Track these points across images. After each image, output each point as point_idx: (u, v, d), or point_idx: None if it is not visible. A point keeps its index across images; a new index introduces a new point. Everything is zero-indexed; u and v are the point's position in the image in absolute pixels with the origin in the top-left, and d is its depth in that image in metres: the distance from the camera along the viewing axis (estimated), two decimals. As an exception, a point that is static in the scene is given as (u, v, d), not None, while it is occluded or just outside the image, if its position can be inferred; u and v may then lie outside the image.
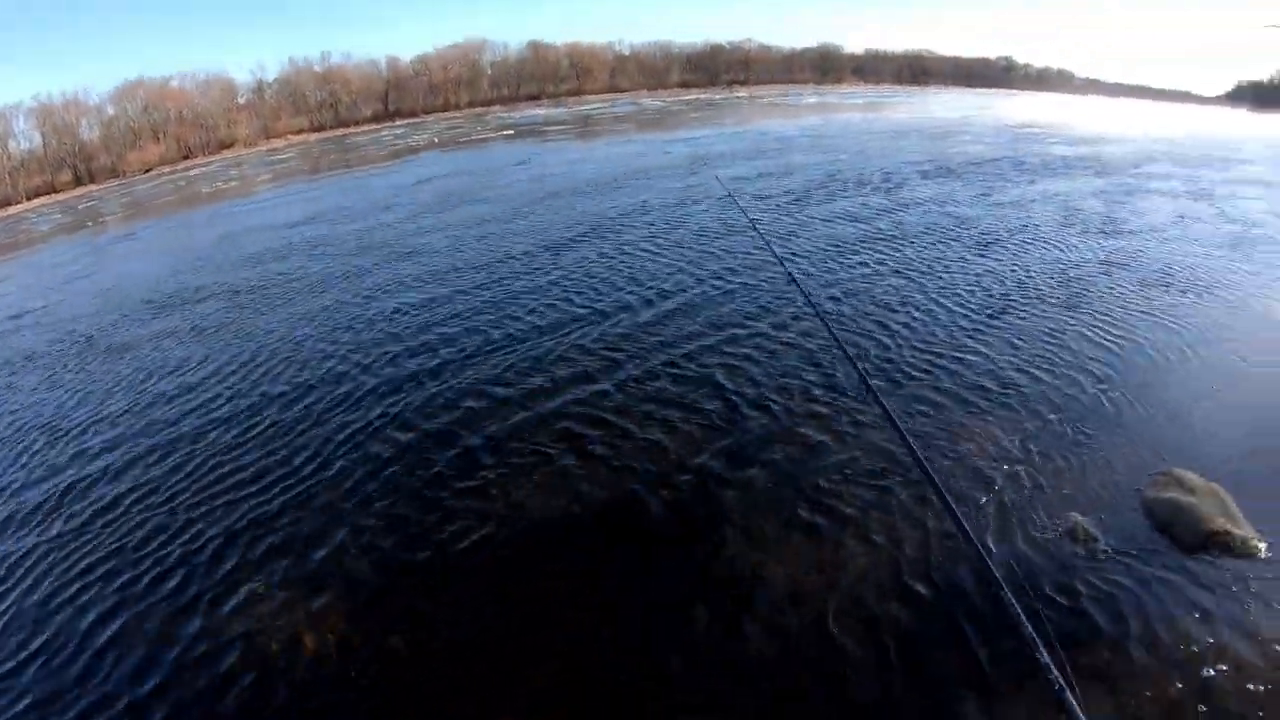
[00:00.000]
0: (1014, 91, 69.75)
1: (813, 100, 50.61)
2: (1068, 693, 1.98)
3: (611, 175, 18.80)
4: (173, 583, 4.69)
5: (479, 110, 69.43)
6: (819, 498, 4.69)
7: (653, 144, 26.19)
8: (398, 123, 65.55)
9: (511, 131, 39.07)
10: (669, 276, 9.58)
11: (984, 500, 4.54)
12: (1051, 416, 5.46)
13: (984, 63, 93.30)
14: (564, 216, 14.22)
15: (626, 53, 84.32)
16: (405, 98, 72.96)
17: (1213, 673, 3.37)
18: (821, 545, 4.27)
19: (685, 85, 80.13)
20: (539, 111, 56.58)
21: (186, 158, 58.94)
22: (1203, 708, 3.21)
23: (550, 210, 15.12)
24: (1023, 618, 2.20)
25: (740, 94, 63.57)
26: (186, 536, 5.14)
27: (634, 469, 5.22)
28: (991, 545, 4.14)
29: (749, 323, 7.68)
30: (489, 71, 77.75)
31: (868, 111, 36.98)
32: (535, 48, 78.81)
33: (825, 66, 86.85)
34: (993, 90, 70.72)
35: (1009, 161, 18.14)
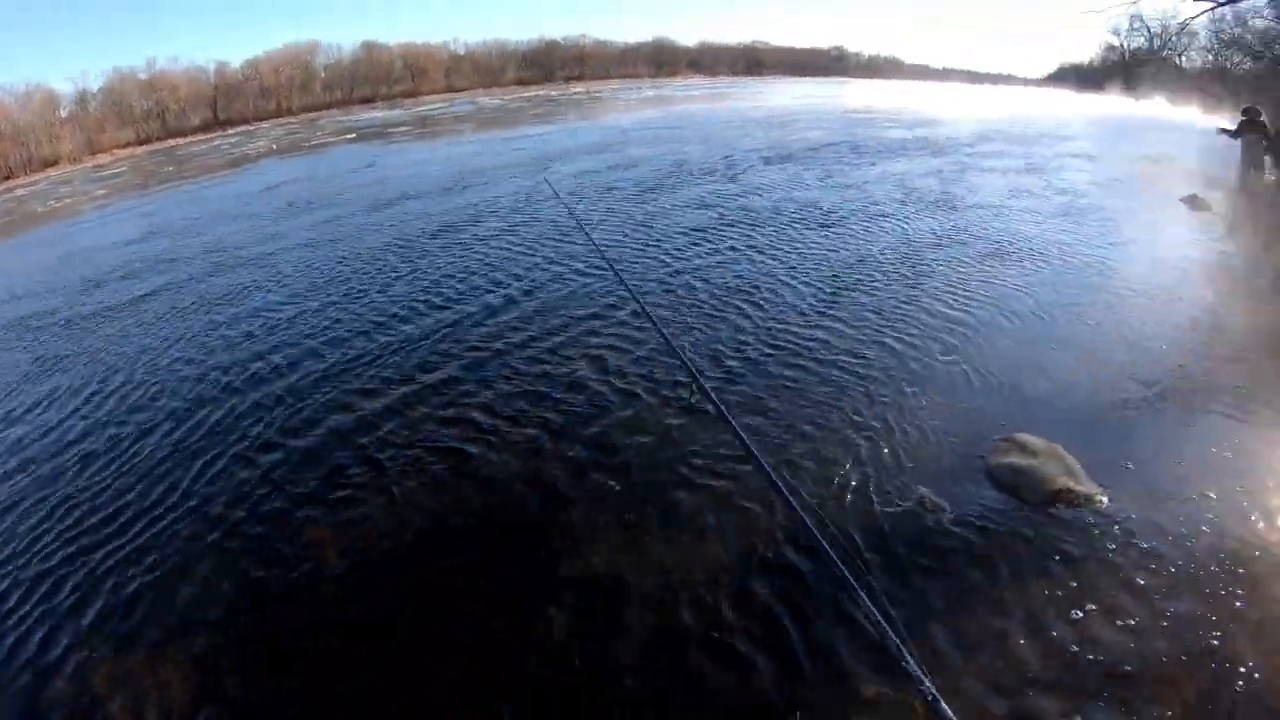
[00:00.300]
0: (846, 79, 72.84)
1: (651, 93, 51.56)
2: (911, 662, 2.09)
3: (458, 174, 18.27)
4: (37, 638, 4.04)
5: (313, 115, 66.40)
6: (663, 493, 4.43)
7: (496, 143, 25.79)
8: (229, 131, 61.86)
9: (353, 135, 37.73)
10: (514, 277, 9.19)
11: (832, 481, 4.42)
12: (893, 392, 5.42)
13: (816, 53, 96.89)
14: (415, 219, 13.57)
15: (461, 52, 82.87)
16: (235, 104, 69.06)
17: (1067, 622, 3.39)
18: (668, 540, 4.02)
19: (521, 83, 79.50)
20: (376, 114, 54.95)
21: (8, 178, 53.63)
22: (1057, 657, 3.21)
23: (401, 213, 14.42)
24: (861, 595, 2.28)
25: (577, 90, 63.70)
26: (44, 588, 4.45)
27: (500, 467, 4.97)
28: (835, 526, 3.99)
29: (585, 322, 7.38)
30: (322, 74, 74.64)
31: (707, 103, 37.97)
32: (369, 48, 76.22)
33: (661, 60, 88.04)
34: (827, 79, 73.60)
35: (848, 145, 18.87)
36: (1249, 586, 3.49)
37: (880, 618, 1.97)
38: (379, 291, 9.32)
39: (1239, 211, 12.11)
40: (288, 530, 4.58)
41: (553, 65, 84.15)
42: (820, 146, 18.80)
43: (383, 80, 75.70)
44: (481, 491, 4.71)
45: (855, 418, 5.11)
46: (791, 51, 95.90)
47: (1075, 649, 3.22)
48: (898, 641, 1.95)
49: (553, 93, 61.39)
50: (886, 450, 4.70)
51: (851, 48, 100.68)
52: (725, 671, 3.25)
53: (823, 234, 10.12)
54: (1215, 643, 3.22)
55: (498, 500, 4.61)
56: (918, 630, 3.28)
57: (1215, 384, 5.53)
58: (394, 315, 8.27)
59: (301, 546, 4.40)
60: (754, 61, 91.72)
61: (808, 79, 72.11)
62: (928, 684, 2.13)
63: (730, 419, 3.43)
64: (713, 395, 4.07)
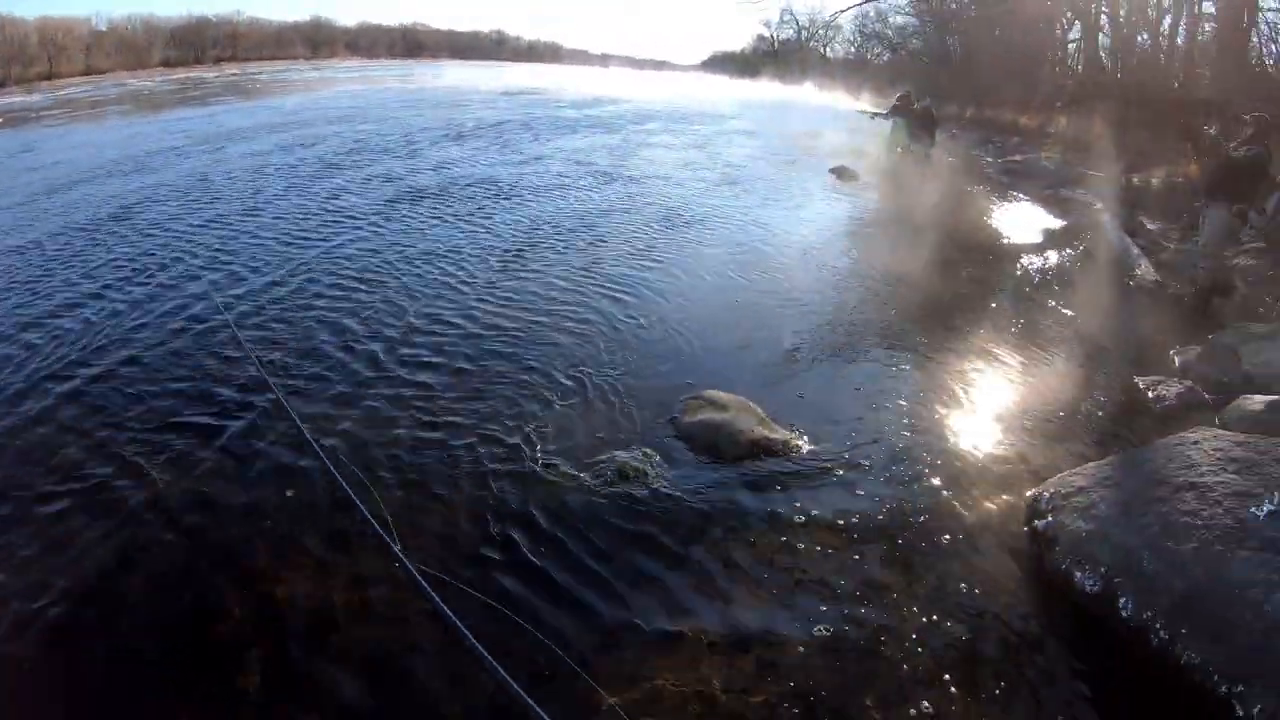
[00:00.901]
0: (509, 64, 73.63)
1: (314, 75, 48.25)
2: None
3: (128, 158, 15.20)
4: None
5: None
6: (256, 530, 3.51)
7: (158, 125, 22.36)
8: None
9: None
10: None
11: (526, 457, 4.00)
12: (574, 368, 5.11)
13: (477, 36, 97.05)
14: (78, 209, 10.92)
15: (104, 28, 72.35)
16: None
17: (790, 560, 3.37)
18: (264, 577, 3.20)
19: (169, 64, 70.56)
20: (14, 99, 46.06)
21: None
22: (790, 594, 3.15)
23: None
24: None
25: (232, 71, 58.15)
26: None
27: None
28: (538, 506, 3.59)
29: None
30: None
31: (375, 84, 36.17)
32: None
33: (318, 39, 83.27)
34: (490, 62, 73.82)
35: (519, 124, 19.02)
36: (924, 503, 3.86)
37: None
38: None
39: (882, 180, 13.88)
40: None
41: (204, 45, 75.99)
42: (496, 125, 18.68)
43: (15, 59, 63.67)
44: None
45: (534, 393, 4.73)
46: (452, 35, 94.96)
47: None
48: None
49: (208, 75, 55.12)
50: (575, 425, 4.38)
51: (511, 31, 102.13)
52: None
53: (498, 207, 9.75)
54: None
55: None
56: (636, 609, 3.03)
57: (866, 326, 6.39)
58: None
59: None
60: (414, 44, 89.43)
61: (471, 62, 71.63)
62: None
63: (307, 435, 3.24)
64: (287, 405, 3.88)
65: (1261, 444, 3.64)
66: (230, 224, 8.72)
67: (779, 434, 4.32)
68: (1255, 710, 2.55)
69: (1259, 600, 2.77)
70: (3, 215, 9.81)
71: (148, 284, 6.71)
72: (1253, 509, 3.13)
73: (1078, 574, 3.23)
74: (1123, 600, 3.03)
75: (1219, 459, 3.52)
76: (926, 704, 2.68)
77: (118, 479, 3.75)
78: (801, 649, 2.87)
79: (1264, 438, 3.79)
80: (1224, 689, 2.65)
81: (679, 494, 3.75)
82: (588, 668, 2.70)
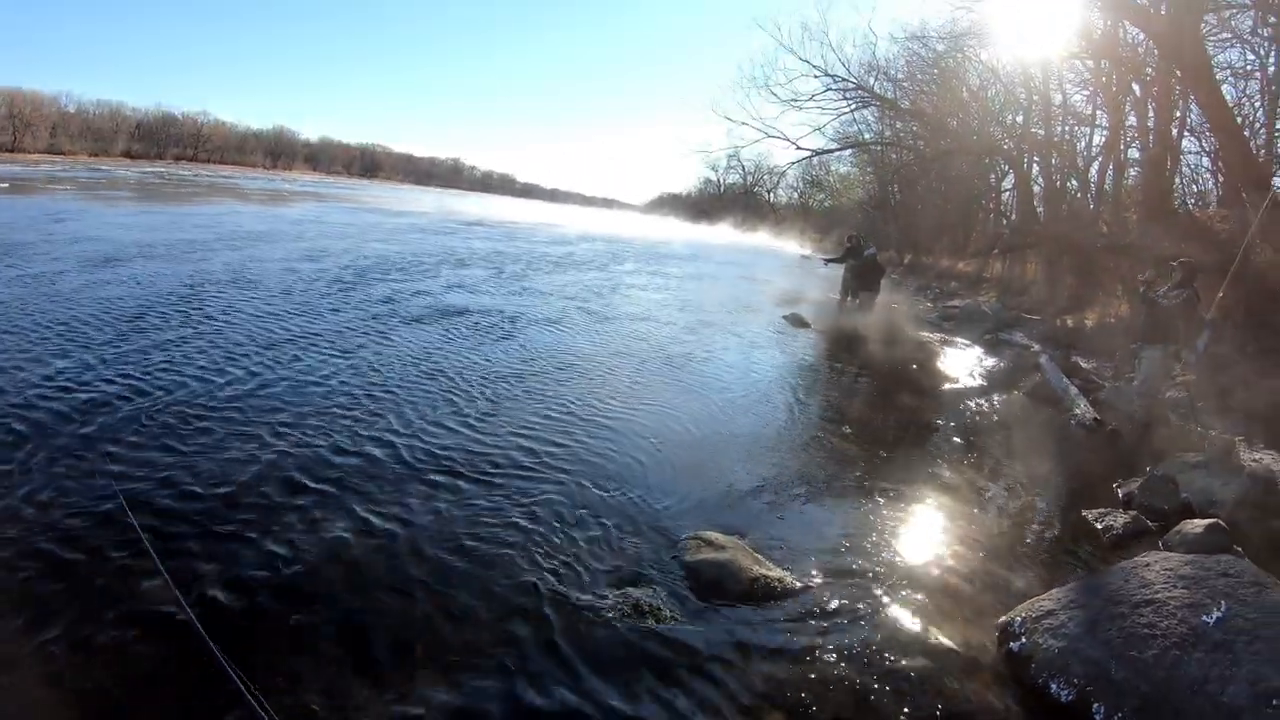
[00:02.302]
0: (464, 192, 75.44)
1: (287, 187, 49.46)
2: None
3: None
4: None
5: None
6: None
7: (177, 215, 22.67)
8: None
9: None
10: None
11: (542, 593, 4.24)
12: (577, 506, 5.42)
13: (434, 162, 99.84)
14: None
15: (72, 109, 73.21)
16: None
17: (799, 694, 3.65)
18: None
19: (131, 156, 71.78)
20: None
21: None
22: None
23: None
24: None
25: (199, 172, 58.77)
26: None
27: None
28: (560, 640, 3.86)
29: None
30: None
31: (343, 204, 37.13)
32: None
33: (278, 150, 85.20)
34: (447, 189, 75.51)
35: (509, 258, 20.35)
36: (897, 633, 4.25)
37: None
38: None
39: (832, 326, 14.94)
40: None
41: (167, 141, 77.23)
42: (483, 257, 20.02)
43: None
44: None
45: (548, 530, 4.99)
46: (410, 159, 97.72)
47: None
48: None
49: (166, 170, 55.65)
50: (587, 559, 4.68)
51: (468, 160, 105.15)
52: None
53: (480, 342, 10.20)
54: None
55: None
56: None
57: (831, 466, 7.07)
58: None
59: None
60: (372, 164, 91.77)
61: (428, 188, 73.29)
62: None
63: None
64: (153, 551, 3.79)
65: (1205, 561, 4.27)
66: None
67: (775, 572, 4.72)
68: None
69: (1216, 693, 3.33)
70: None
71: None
72: (1204, 617, 3.70)
73: (1053, 686, 3.74)
74: (1096, 706, 3.55)
75: (1169, 577, 4.10)
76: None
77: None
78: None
79: (1207, 556, 4.43)
80: None
81: (693, 629, 4.09)
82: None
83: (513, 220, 35.88)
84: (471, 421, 6.89)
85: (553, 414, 7.36)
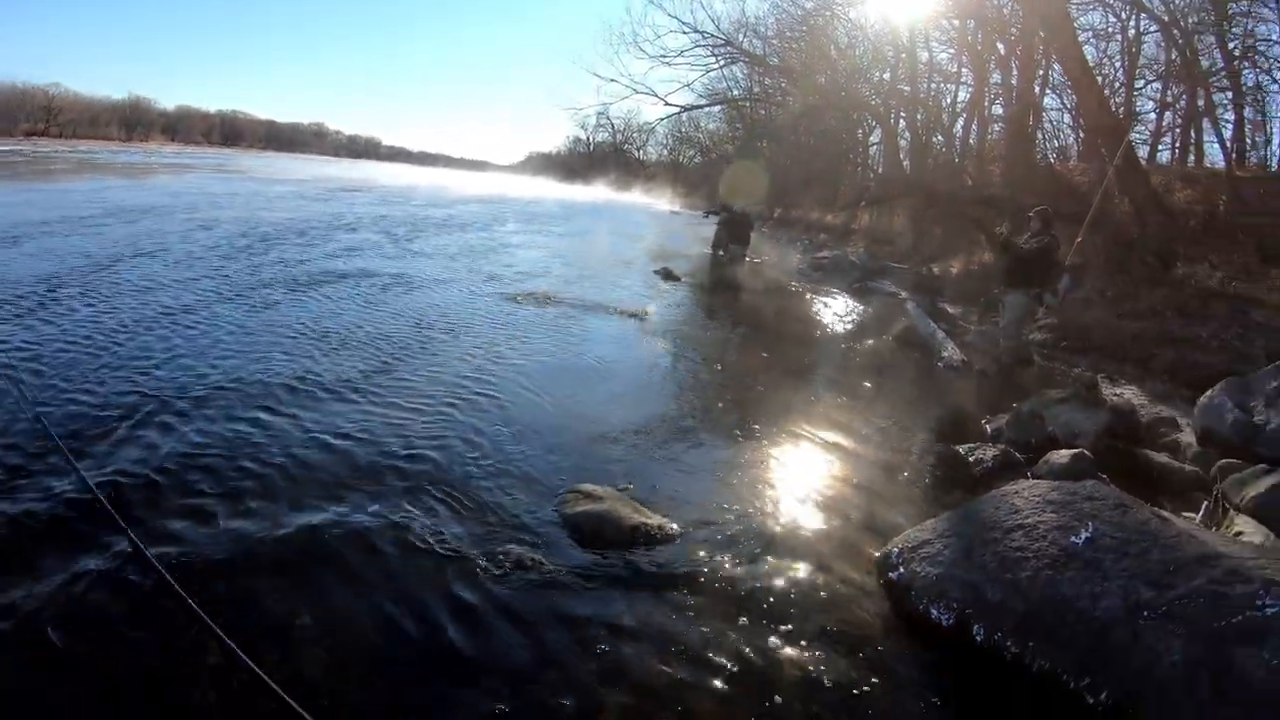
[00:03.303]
0: (331, 158, 72.76)
1: (156, 160, 46.39)
2: None
3: None
4: None
5: None
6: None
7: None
8: None
9: None
10: None
11: (423, 552, 4.14)
12: (453, 468, 5.27)
13: (296, 128, 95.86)
14: None
15: None
16: None
17: (683, 632, 3.68)
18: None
19: None
20: None
21: None
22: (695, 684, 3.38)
23: None
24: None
25: (57, 147, 54.52)
26: None
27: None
28: (442, 599, 3.76)
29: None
30: None
31: (217, 175, 35.31)
32: None
33: (134, 121, 79.76)
34: (314, 156, 72.63)
35: (397, 222, 20.04)
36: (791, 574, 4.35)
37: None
38: None
39: (704, 279, 15.17)
40: None
41: (17, 115, 70.81)
42: (370, 222, 19.73)
43: None
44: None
45: (424, 492, 4.82)
46: (273, 125, 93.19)
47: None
48: None
49: (43, 148, 51.44)
50: (467, 518, 4.57)
51: (332, 125, 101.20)
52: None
53: (371, 305, 10.00)
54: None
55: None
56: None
57: (706, 414, 7.16)
58: None
59: None
60: (233, 132, 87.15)
61: (294, 155, 70.25)
62: None
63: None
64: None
65: (1072, 487, 4.47)
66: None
67: (654, 520, 4.71)
68: (1102, 696, 3.25)
69: (1089, 609, 3.50)
70: None
71: None
72: (1073, 538, 3.87)
73: (933, 611, 3.86)
74: (975, 627, 3.68)
75: (1039, 503, 4.28)
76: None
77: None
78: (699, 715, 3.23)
79: (1073, 483, 4.63)
80: (1072, 685, 3.34)
81: (573, 580, 4.04)
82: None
83: (389, 185, 35.23)
84: (357, 385, 6.71)
85: (438, 375, 7.19)
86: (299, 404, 6.13)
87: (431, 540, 4.29)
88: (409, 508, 4.64)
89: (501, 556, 4.16)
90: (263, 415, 5.79)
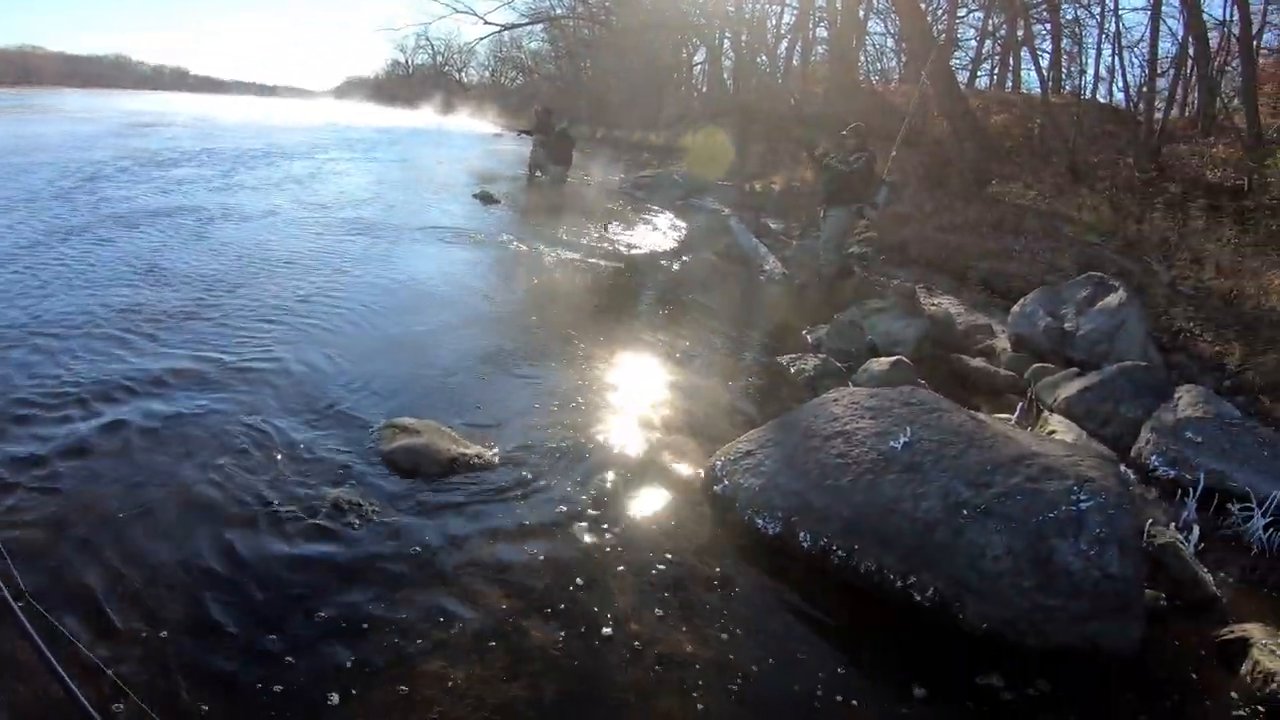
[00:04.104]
0: (135, 91, 67.07)
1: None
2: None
3: None
4: None
5: None
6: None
7: None
8: None
9: None
10: None
11: (234, 505, 3.83)
12: (258, 413, 4.86)
13: (95, 61, 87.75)
14: None
15: None
16: None
17: (508, 557, 3.64)
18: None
19: None
20: None
21: None
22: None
23: None
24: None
25: None
26: None
27: None
28: (255, 553, 3.47)
29: None
30: None
31: (19, 116, 31.48)
32: None
33: None
34: (117, 90, 66.60)
35: (216, 154, 18.94)
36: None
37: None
38: None
39: (523, 202, 14.94)
40: None
41: None
42: (190, 156, 18.39)
43: None
44: None
45: (233, 440, 4.46)
46: (71, 59, 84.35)
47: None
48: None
49: None
50: (276, 472, 4.23)
51: (134, 56, 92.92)
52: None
53: (183, 242, 9.18)
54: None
55: None
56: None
57: (526, 341, 6.87)
58: None
59: None
60: (27, 69, 78.09)
61: (95, 89, 63.94)
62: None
63: None
64: None
65: (889, 393, 4.62)
66: None
67: (472, 449, 4.59)
68: (928, 593, 3.41)
69: (912, 510, 3.62)
70: None
71: None
72: (891, 443, 3.97)
73: (760, 521, 3.92)
74: (802, 534, 3.76)
75: (857, 409, 4.39)
76: (659, 652, 3.11)
77: None
78: (538, 635, 3.15)
79: (890, 389, 4.77)
80: (899, 583, 3.48)
81: (394, 517, 3.88)
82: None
83: (205, 117, 32.53)
84: (172, 325, 6.22)
85: (255, 311, 6.74)
86: (108, 346, 5.62)
87: (243, 488, 3.99)
88: (222, 456, 4.30)
89: (317, 502, 3.92)
90: (66, 358, 5.31)
